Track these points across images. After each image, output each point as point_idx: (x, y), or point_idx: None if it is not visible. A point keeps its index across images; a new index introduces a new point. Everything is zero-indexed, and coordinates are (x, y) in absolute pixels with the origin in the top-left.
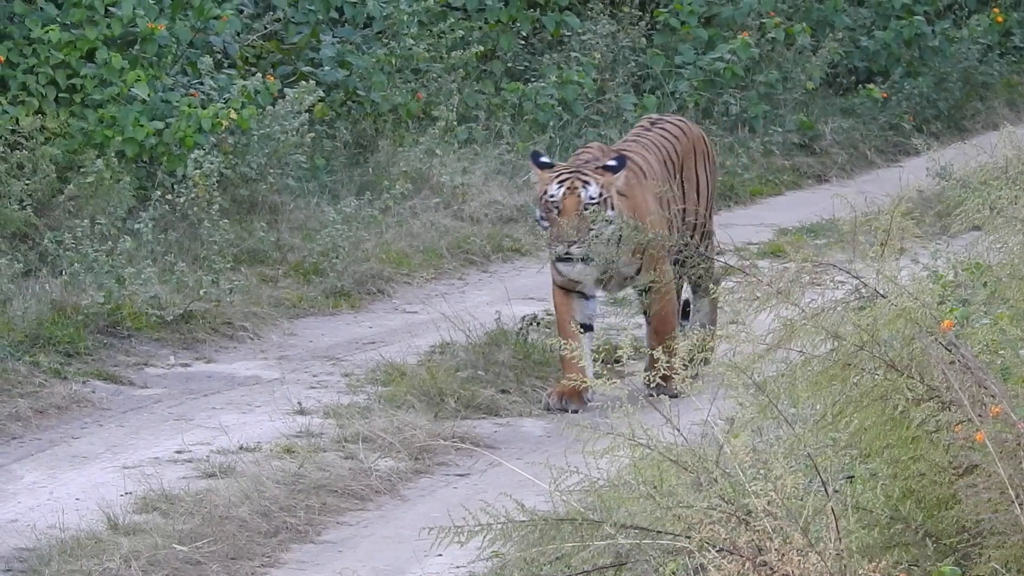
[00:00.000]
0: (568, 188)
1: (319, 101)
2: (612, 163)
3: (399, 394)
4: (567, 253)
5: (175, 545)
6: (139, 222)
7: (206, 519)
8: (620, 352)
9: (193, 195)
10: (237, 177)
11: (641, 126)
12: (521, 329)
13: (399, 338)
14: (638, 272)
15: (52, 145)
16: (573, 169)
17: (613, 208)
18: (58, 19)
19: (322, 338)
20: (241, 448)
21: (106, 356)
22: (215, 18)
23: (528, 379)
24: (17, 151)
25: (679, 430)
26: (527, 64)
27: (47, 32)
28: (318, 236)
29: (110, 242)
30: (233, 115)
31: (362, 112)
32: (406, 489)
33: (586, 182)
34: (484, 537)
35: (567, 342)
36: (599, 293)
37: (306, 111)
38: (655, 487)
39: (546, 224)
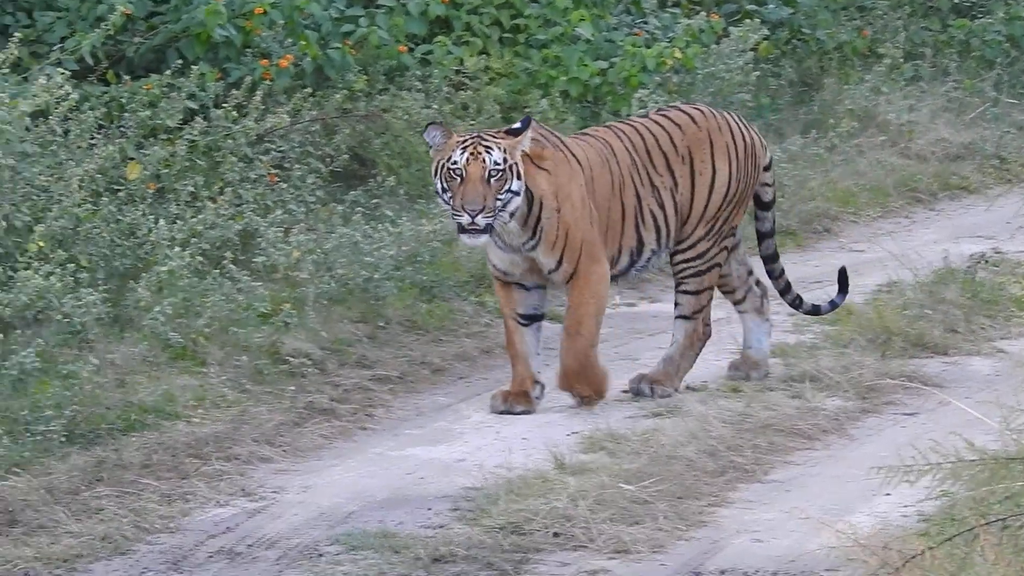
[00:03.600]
0: (471, 154)
1: (764, 39)
2: (516, 126)
3: (846, 333)
4: (472, 223)
5: (622, 484)
6: None
7: (653, 458)
8: None
9: None
10: None
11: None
12: (969, 267)
13: None
14: (558, 266)
15: (496, 85)
16: (475, 135)
17: (519, 177)
18: None
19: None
20: (687, 388)
21: None
22: None
23: (976, 317)
24: (461, 91)
25: None
26: (974, 0)
27: None
28: None
29: None
30: (678, 54)
31: (807, 50)
32: (853, 428)
33: (489, 148)
34: (933, 476)
35: (509, 337)
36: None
37: (751, 49)
38: None
39: (448, 196)
